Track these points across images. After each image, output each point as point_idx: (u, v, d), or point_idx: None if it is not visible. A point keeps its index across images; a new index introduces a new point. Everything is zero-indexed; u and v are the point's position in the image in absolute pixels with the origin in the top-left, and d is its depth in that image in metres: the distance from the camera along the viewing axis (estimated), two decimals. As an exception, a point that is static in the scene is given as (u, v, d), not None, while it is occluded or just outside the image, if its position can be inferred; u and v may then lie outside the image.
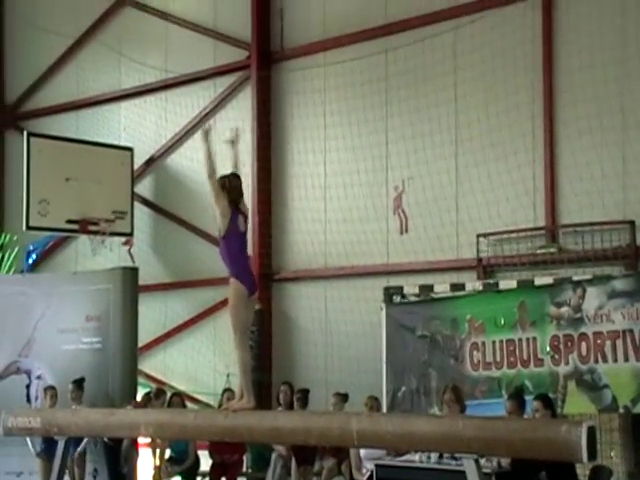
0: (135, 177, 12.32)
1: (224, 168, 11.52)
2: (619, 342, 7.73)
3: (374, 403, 8.07)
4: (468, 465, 4.91)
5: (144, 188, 12.66)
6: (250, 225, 11.03)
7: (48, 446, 8.67)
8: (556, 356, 8.06)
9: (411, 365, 8.88)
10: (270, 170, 11.39)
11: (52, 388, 9.34)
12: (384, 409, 8.77)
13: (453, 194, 9.88)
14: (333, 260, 10.78)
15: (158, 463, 9.27)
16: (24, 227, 11.48)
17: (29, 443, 9.03)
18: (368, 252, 10.44)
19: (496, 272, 9.40)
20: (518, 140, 9.43)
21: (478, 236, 9.52)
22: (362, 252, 10.49)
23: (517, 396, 6.89)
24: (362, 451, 7.64)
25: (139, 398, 9.73)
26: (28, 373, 10.20)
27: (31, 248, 12.62)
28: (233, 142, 5.61)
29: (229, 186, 5.39)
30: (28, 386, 10.00)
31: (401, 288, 9.18)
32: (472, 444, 4.72)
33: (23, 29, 13.82)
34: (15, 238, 12.62)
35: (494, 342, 8.38)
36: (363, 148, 10.57)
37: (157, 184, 12.60)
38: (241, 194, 5.44)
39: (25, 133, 11.74)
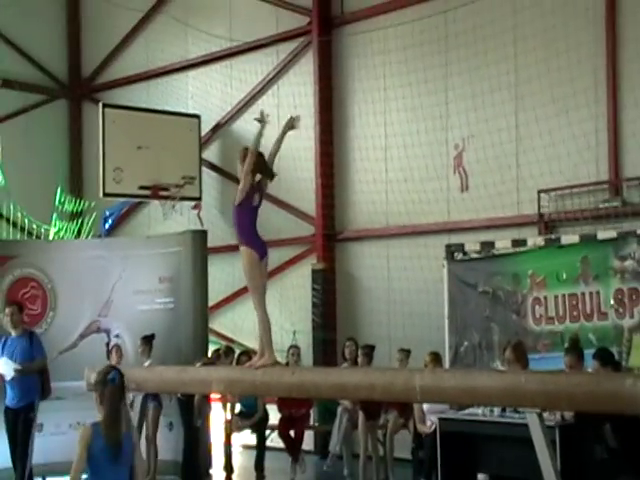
0: (203, 143, 12.33)
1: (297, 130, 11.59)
2: (686, 295, 7.37)
3: (436, 359, 7.88)
4: (531, 419, 4.74)
5: (211, 154, 12.67)
6: (313, 187, 11.30)
7: None
8: (620, 309, 7.77)
9: (473, 320, 8.76)
10: (332, 133, 11.31)
11: (117, 346, 9.58)
12: (447, 364, 8.68)
13: (513, 151, 9.62)
14: (395, 219, 10.67)
15: (229, 417, 9.33)
16: (101, 194, 11.63)
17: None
18: (429, 210, 10.29)
19: (558, 227, 9.15)
20: (580, 95, 9.06)
21: (539, 192, 9.25)
22: (423, 211, 10.35)
23: (574, 348, 6.64)
24: (425, 405, 7.50)
25: (209, 355, 9.76)
26: (107, 332, 10.31)
27: (107, 214, 12.74)
28: (291, 127, 5.80)
29: (263, 167, 5.68)
30: (108, 344, 10.11)
31: (462, 245, 9.04)
32: (535, 398, 4.57)
33: (96, 5, 13.91)
34: (93, 204, 12.78)
35: (556, 297, 8.17)
36: (423, 108, 10.38)
37: (224, 149, 12.59)
38: (271, 173, 5.73)
39: (100, 104, 11.85)
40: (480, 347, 8.67)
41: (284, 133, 5.76)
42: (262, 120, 5.69)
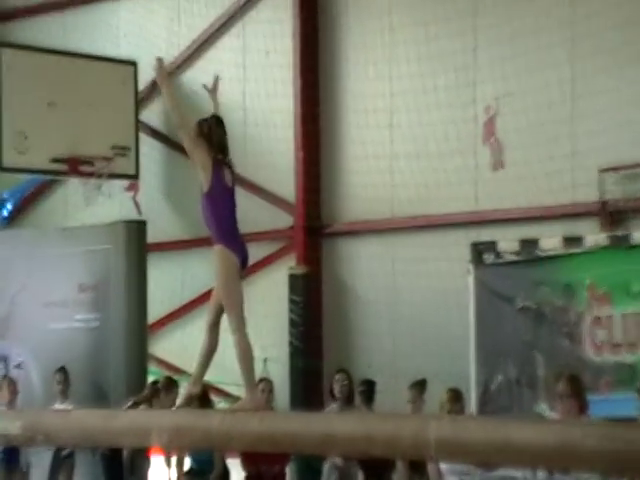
0: (140, 100, 12.26)
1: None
2: None
3: (456, 399, 7.69)
4: (591, 488, 4.72)
5: (152, 115, 12.58)
6: (292, 163, 11.25)
7: (9, 453, 8.98)
8: None
9: (509, 347, 8.82)
10: (318, 89, 11.30)
11: (9, 378, 9.67)
12: (472, 407, 8.74)
13: (567, 115, 9.63)
14: (402, 208, 10.66)
15: (175, 476, 9.27)
16: (-4, 168, 11.54)
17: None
18: (450, 196, 10.29)
19: (627, 220, 9.18)
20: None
21: (601, 171, 9.29)
22: (441, 197, 10.36)
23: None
24: (443, 464, 7.39)
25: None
26: (4, 360, 10.37)
27: (5, 196, 12.66)
28: (212, 91, 5.90)
29: (208, 132, 5.67)
30: (5, 377, 10.11)
31: (494, 244, 9.08)
32: (596, 461, 4.53)
33: None
34: (-15, 183, 12.70)
35: (625, 316, 8.24)
36: (442, 56, 10.37)
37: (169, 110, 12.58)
38: (225, 144, 5.73)
39: (-7, 42, 11.78)
40: (519, 384, 8.72)
41: (215, 103, 5.86)
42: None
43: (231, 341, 5.66)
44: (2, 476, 9.27)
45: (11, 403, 9.43)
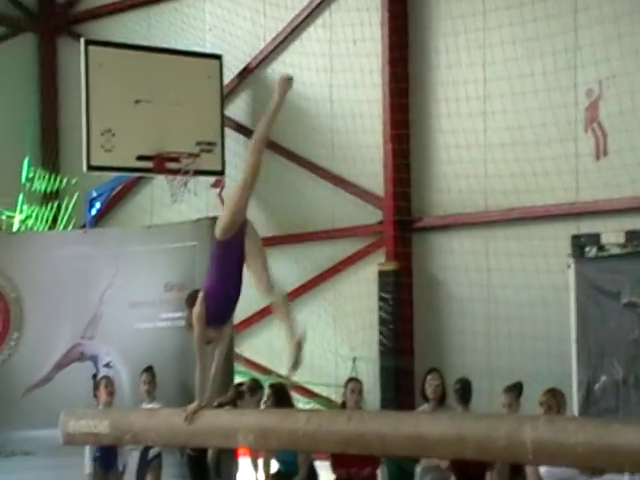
0: (226, 95, 12.36)
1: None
2: None
3: (555, 400, 7.63)
4: None
5: (238, 109, 12.67)
6: (381, 156, 11.15)
7: (105, 453, 9.00)
8: None
9: (614, 346, 8.64)
10: (407, 77, 11.22)
11: (107, 378, 9.73)
12: (574, 408, 8.59)
13: (676, 97, 9.44)
14: (497, 200, 10.52)
15: (262, 478, 9.34)
16: (84, 167, 11.66)
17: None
18: (548, 187, 10.11)
19: None
20: None
21: None
22: (539, 187, 10.18)
23: None
24: (543, 468, 7.31)
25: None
26: (94, 360, 10.49)
27: (94, 195, 12.74)
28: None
29: None
30: (95, 376, 10.25)
31: (597, 236, 8.93)
32: None
33: None
34: (73, 182, 12.82)
35: None
36: (540, 39, 10.19)
37: (255, 103, 12.53)
38: None
39: (82, 41, 11.86)
40: (626, 384, 8.54)
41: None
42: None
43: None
44: (99, 476, 9.40)
45: (108, 403, 9.55)
